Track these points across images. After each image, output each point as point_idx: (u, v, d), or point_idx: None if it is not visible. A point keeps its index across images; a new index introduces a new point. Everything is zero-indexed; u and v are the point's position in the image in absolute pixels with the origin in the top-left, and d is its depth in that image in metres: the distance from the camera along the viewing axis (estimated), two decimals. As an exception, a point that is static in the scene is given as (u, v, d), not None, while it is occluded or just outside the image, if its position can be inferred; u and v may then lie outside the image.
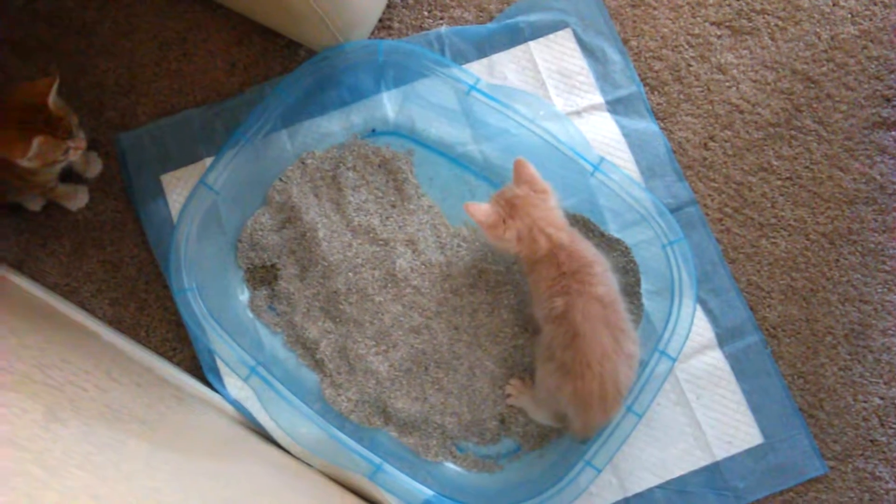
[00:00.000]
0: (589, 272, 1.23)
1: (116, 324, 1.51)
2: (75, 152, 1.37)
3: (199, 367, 1.47)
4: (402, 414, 1.41)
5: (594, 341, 1.19)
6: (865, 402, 1.44)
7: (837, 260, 1.49)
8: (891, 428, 1.43)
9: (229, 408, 1.44)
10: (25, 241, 1.54)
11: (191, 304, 1.37)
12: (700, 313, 1.46)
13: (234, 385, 1.45)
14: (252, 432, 1.41)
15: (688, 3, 1.60)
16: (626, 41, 1.59)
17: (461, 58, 1.58)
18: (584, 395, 1.20)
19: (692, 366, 1.44)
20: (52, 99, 1.29)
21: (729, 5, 1.60)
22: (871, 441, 1.43)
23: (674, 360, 1.31)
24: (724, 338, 1.46)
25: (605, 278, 1.25)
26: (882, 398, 1.44)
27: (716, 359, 1.45)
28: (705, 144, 1.54)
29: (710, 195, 1.52)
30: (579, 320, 1.19)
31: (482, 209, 1.28)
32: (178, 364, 1.49)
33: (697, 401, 1.43)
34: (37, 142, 1.26)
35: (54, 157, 1.33)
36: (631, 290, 1.44)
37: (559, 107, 1.55)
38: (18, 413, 0.79)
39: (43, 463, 0.70)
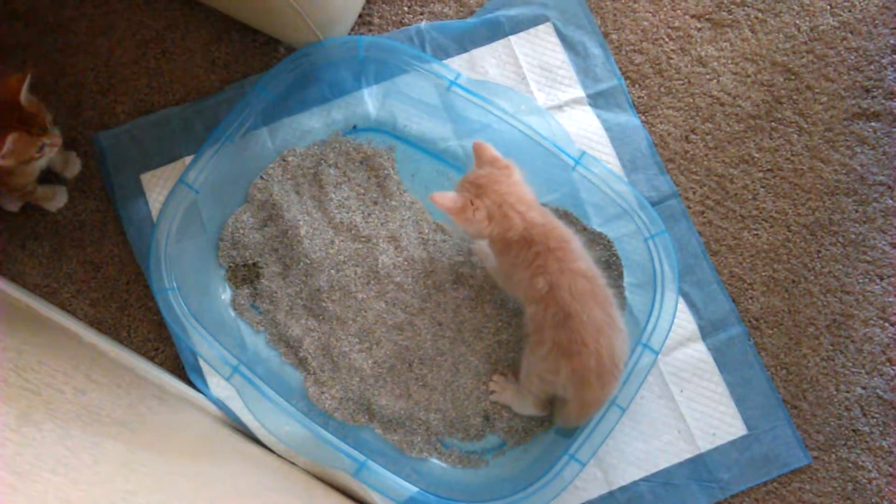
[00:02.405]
0: (567, 248, 1.23)
1: (97, 325, 1.49)
2: (51, 149, 1.36)
3: (181, 366, 1.46)
4: (387, 411, 1.41)
5: (588, 318, 1.18)
6: (848, 392, 1.44)
7: (819, 251, 1.50)
8: (873, 418, 1.43)
9: (212, 407, 1.43)
10: (4, 243, 1.52)
11: (172, 303, 1.36)
12: (683, 306, 1.46)
13: (218, 384, 1.44)
14: (235, 432, 1.40)
15: (668, -4, 1.60)
16: (606, 35, 1.59)
17: (442, 53, 1.57)
18: (582, 373, 1.19)
19: (675, 358, 1.44)
20: (24, 96, 1.27)
21: (709, -3, 1.60)
22: (854, 431, 1.43)
23: (657, 352, 1.31)
24: (707, 330, 1.46)
25: (584, 253, 1.25)
26: (864, 388, 1.44)
27: (699, 351, 1.45)
28: (686, 137, 1.54)
29: (691, 188, 1.52)
30: (569, 300, 1.19)
31: (448, 196, 1.26)
32: (161, 364, 1.47)
33: (681, 393, 1.43)
34: (11, 139, 1.25)
35: (29, 155, 1.32)
36: (614, 284, 1.44)
37: (540, 101, 1.55)
38: (-11, 418, 0.79)
39: (13, 468, 0.69)
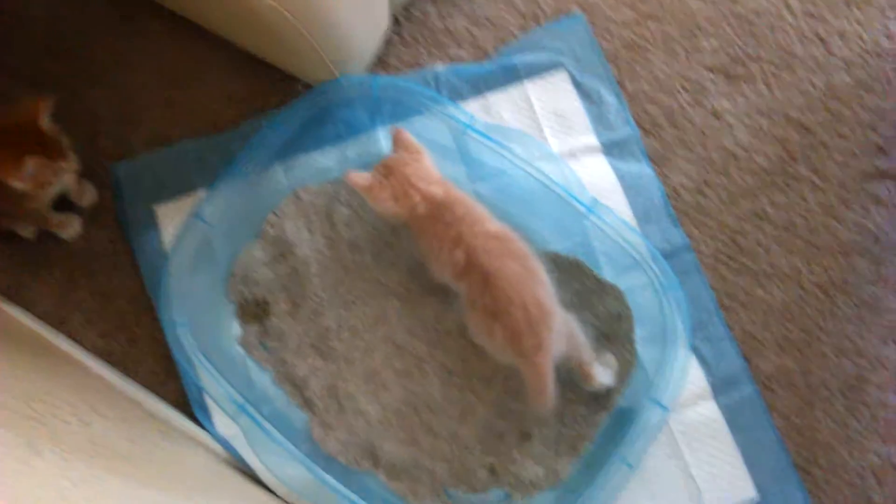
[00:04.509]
0: (475, 213, 1.31)
1: (105, 356, 1.48)
2: (68, 175, 1.36)
3: (187, 402, 1.44)
4: (391, 457, 1.39)
5: (507, 273, 1.24)
6: (862, 459, 1.41)
7: (832, 311, 1.48)
8: (887, 487, 1.40)
9: (216, 446, 1.41)
10: (17, 269, 1.52)
11: (180, 338, 1.36)
12: (694, 362, 1.43)
13: (223, 422, 1.42)
14: (238, 472, 1.38)
15: (683, 48, 1.61)
16: (621, 84, 1.59)
17: (457, 96, 1.58)
18: (514, 328, 1.23)
19: (686, 417, 1.41)
20: (45, 120, 1.29)
21: (724, 51, 1.61)
22: (868, 501, 1.39)
23: (667, 409, 1.29)
24: (719, 388, 1.43)
25: (491, 216, 1.32)
26: (878, 455, 1.41)
27: (710, 410, 1.42)
28: (700, 190, 1.54)
29: (704, 241, 1.52)
30: (485, 260, 1.25)
31: (362, 175, 1.36)
32: (167, 399, 1.46)
33: (692, 454, 1.40)
34: (31, 163, 1.26)
35: (47, 179, 1.33)
36: (625, 337, 1.42)
37: (554, 147, 1.55)
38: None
39: (16, 499, 0.69)
